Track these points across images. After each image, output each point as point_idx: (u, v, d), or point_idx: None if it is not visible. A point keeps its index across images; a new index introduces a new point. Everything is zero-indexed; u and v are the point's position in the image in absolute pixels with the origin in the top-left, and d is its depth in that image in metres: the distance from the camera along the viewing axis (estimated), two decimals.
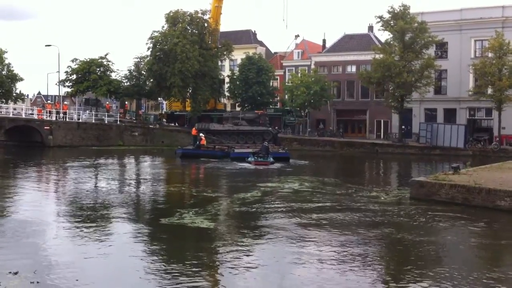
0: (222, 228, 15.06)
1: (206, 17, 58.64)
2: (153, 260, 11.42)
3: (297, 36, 70.44)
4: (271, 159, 35.15)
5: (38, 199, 19.93)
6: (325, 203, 19.17)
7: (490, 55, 46.79)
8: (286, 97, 59.80)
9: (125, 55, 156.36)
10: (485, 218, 16.31)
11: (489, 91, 46.33)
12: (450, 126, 48.81)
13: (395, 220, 16.23)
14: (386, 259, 12.16)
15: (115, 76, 61.39)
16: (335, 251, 12.24)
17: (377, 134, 59.55)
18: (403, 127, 52.20)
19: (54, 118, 51.76)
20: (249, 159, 35.28)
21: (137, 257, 11.55)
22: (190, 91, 58.20)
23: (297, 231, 14.37)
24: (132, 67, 61.53)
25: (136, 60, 61.24)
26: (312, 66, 63.43)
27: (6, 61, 61.17)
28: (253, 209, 17.63)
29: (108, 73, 59.97)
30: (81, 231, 13.87)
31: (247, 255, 11.86)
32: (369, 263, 11.45)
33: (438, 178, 20.00)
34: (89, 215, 16.17)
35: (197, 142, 41.32)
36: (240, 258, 11.56)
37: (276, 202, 19.42)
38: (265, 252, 12.23)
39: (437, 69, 50.81)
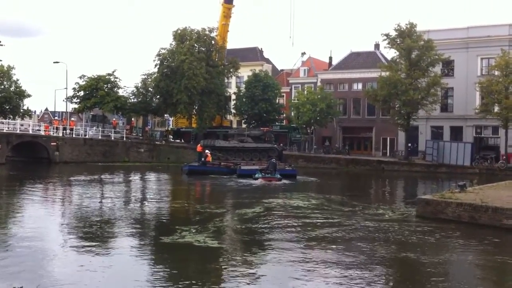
0: (227, 245, 14.96)
1: (213, 34, 59.23)
2: (156, 276, 11.35)
3: (303, 53, 70.92)
4: (278, 176, 35.13)
5: (42, 215, 19.90)
6: (330, 220, 19.05)
7: (496, 73, 46.80)
8: (292, 114, 59.89)
9: (132, 71, 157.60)
10: (491, 237, 16.14)
11: (496, 109, 46.23)
12: (457, 144, 48.65)
13: (400, 239, 16.08)
14: (391, 278, 12.06)
15: (122, 92, 61.95)
16: (340, 269, 12.13)
17: (383, 151, 59.37)
18: (409, 144, 52.08)
19: (61, 134, 52.03)
20: (256, 175, 35.29)
21: (140, 273, 11.50)
22: (196, 107, 58.46)
23: (302, 248, 14.28)
24: (139, 84, 61.93)
25: (143, 76, 61.69)
26: (318, 84, 63.58)
27: (14, 78, 62.16)
28: (259, 226, 17.56)
29: (115, 89, 60.34)
30: (84, 247, 13.83)
31: (251, 272, 11.77)
32: (374, 281, 11.34)
33: (444, 196, 19.87)
34: (93, 231, 16.14)
35: (202, 159, 41.41)
36: (243, 275, 11.48)
37: (282, 219, 19.33)
38: (269, 269, 12.12)
39: (443, 87, 50.83)
